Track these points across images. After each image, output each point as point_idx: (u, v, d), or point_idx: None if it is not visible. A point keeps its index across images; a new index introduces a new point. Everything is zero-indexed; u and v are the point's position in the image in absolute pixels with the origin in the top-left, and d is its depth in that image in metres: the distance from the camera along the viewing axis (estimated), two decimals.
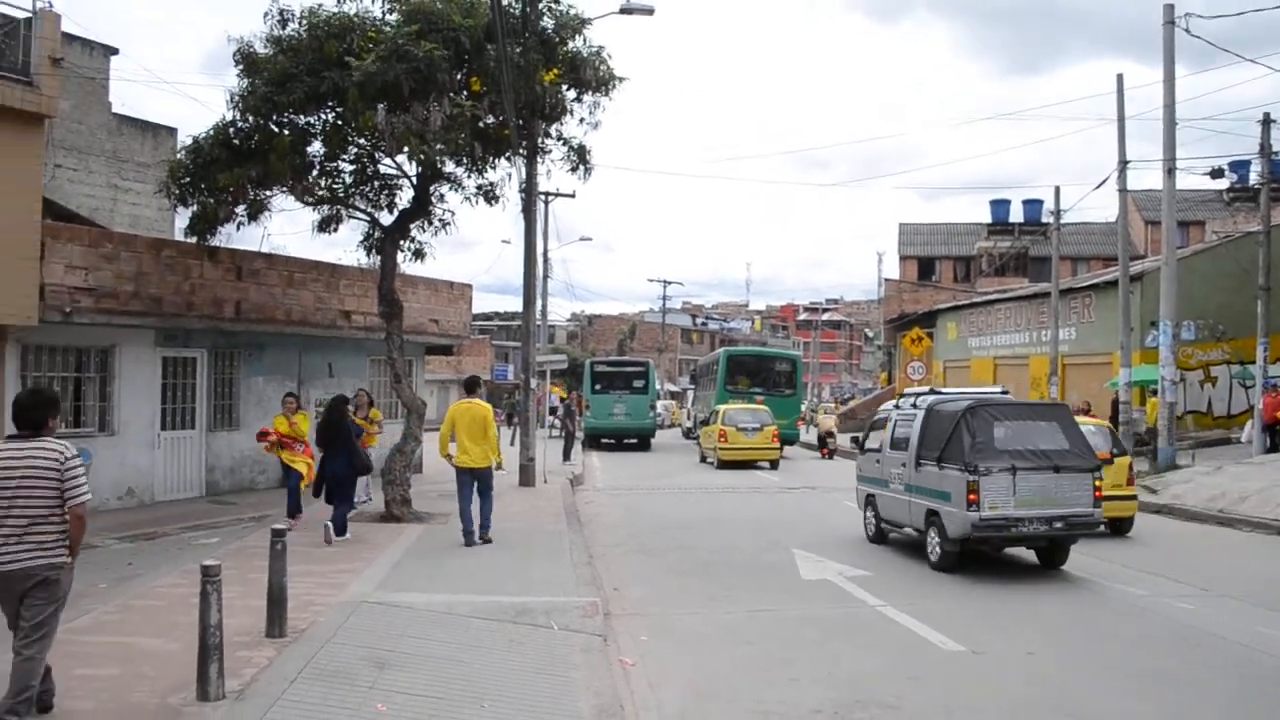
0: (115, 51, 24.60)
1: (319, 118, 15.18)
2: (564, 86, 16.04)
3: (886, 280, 57.39)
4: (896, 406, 14.88)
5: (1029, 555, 13.03)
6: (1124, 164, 23.99)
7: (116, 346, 16.66)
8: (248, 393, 19.44)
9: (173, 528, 14.71)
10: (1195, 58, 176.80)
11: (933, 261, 55.30)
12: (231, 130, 15.07)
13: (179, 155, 16.33)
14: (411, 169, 15.79)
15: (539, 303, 36.88)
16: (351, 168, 16.35)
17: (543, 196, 36.66)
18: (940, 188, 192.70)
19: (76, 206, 21.19)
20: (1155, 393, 23.48)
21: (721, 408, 30.92)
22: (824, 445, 35.60)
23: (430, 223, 17.00)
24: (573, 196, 45.39)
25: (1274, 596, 10.97)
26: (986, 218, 54.81)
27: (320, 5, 14.88)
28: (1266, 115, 24.94)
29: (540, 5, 15.88)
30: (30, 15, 14.49)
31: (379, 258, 16.88)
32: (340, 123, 14.92)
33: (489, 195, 16.82)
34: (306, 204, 16.21)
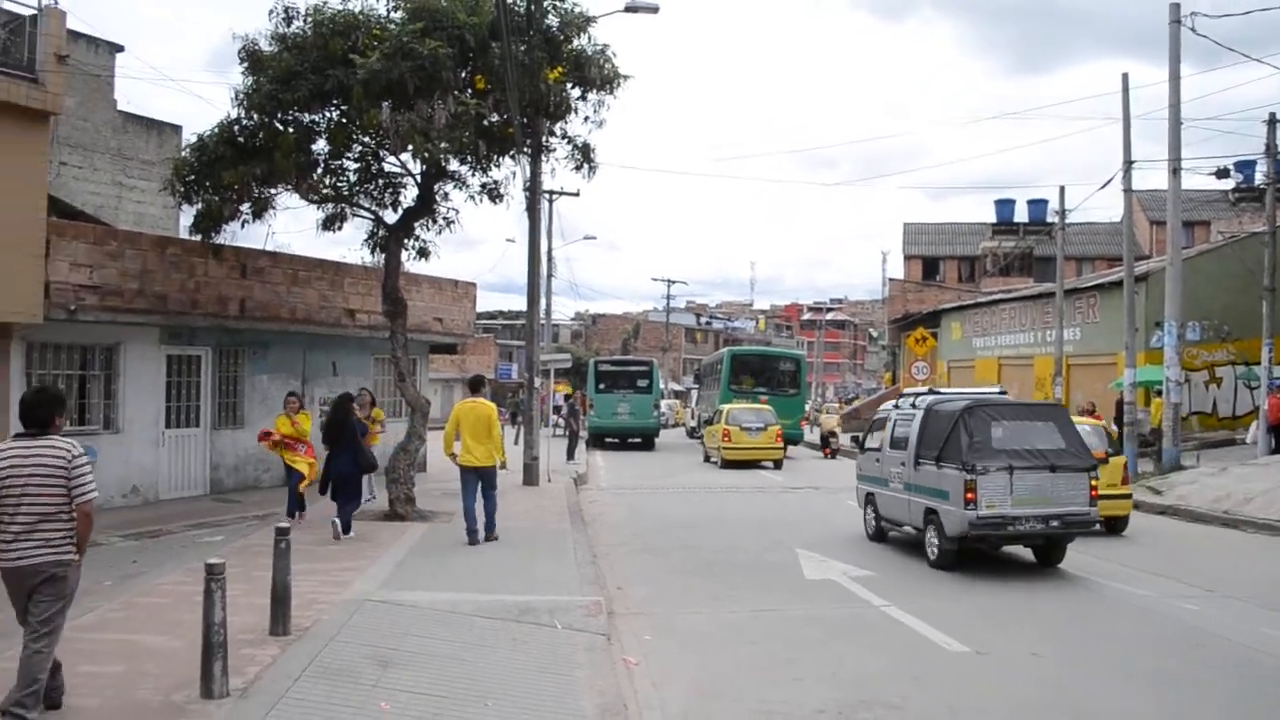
0: (120, 49, 24.58)
1: (324, 115, 15.17)
2: (568, 85, 16.00)
3: (891, 280, 57.29)
4: (896, 406, 15.02)
5: (1034, 555, 13.05)
6: (1129, 164, 23.89)
7: (121, 344, 16.67)
8: (252, 391, 19.45)
9: (177, 526, 14.72)
10: (1201, 57, 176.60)
11: (937, 261, 55.25)
12: (236, 128, 15.06)
13: (184, 153, 16.34)
14: (416, 167, 15.79)
15: (543, 301, 36.81)
16: (356, 166, 16.33)
17: (547, 195, 36.62)
18: (945, 187, 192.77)
19: (81, 204, 21.20)
20: (1160, 393, 23.42)
21: (725, 407, 30.92)
22: (826, 445, 35.69)
23: (434, 221, 17.00)
24: (577, 195, 45.47)
25: (1278, 598, 10.95)
26: (991, 217, 54.71)
27: (325, 3, 14.85)
28: (1272, 115, 24.88)
29: (545, 3, 15.84)
30: (35, 12, 14.52)
31: (383, 256, 16.89)
32: (345, 120, 14.91)
33: (493, 194, 16.81)
34: (311, 202, 16.20)
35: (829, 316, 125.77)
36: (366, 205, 16.79)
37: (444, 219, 17.04)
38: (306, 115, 14.99)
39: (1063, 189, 37.50)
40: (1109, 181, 25.05)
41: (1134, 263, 25.22)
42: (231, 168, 14.63)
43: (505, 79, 14.54)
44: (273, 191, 15.93)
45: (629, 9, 20.22)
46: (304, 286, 19.86)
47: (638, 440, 38.25)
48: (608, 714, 6.67)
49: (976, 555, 12.78)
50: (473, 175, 16.60)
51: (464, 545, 12.80)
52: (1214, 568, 12.92)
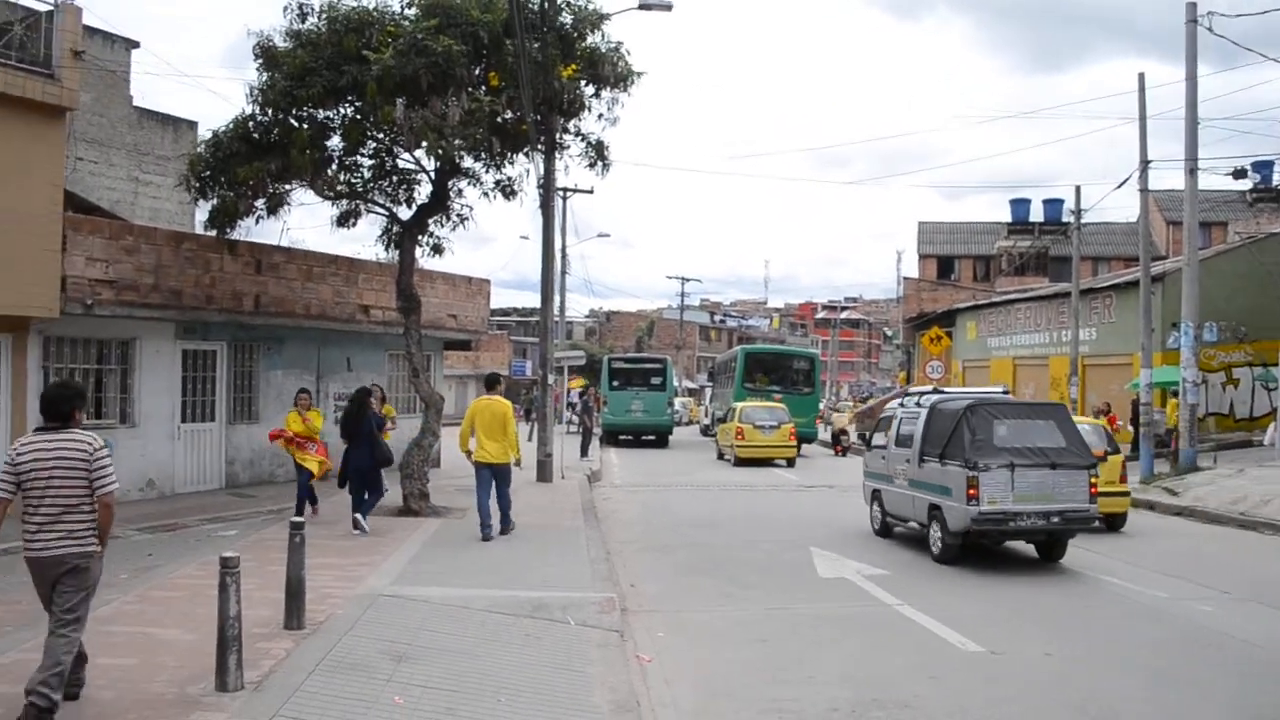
0: (136, 45, 24.68)
1: (338, 112, 15.22)
2: (582, 82, 16.01)
3: (905, 279, 57.12)
4: (901, 405, 15.31)
5: (1036, 551, 13.25)
6: (1145, 163, 23.77)
7: (137, 339, 16.76)
8: (267, 386, 19.53)
9: (192, 520, 14.78)
10: (1219, 57, 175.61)
11: (952, 260, 55.06)
12: (251, 124, 15.11)
13: (199, 149, 16.39)
14: (430, 164, 15.79)
15: (557, 299, 36.85)
16: (370, 162, 16.37)
17: (561, 192, 36.70)
18: (960, 186, 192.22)
19: (98, 199, 21.30)
20: (1176, 394, 23.30)
21: (739, 405, 30.91)
22: (838, 443, 35.75)
23: (448, 218, 17.04)
24: (591, 192, 45.48)
25: None
26: (1006, 217, 54.52)
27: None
28: None
29: (559, 1, 15.87)
30: (52, 8, 14.60)
31: (398, 252, 16.93)
32: (359, 117, 14.95)
33: (507, 191, 16.81)
34: (326, 198, 16.24)
35: (843, 315, 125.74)
36: (381, 201, 16.82)
37: (458, 216, 17.09)
38: (321, 111, 15.04)
39: (1079, 188, 37.30)
40: (1125, 181, 24.94)
41: (1150, 263, 25.11)
42: (246, 164, 14.69)
43: (519, 76, 14.56)
44: (287, 187, 15.98)
45: (643, 6, 20.18)
46: (318, 282, 19.92)
47: (651, 437, 38.24)
48: (620, 710, 6.66)
49: (990, 554, 12.91)
50: (486, 172, 16.65)
51: (477, 541, 12.83)
52: (1230, 569, 12.83)
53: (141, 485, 16.67)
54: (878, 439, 15.74)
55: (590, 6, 16.08)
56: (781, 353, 44.30)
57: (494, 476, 13.33)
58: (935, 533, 12.91)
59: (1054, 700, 7.25)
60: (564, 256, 44.46)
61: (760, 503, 19.86)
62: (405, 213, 16.79)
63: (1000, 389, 16.41)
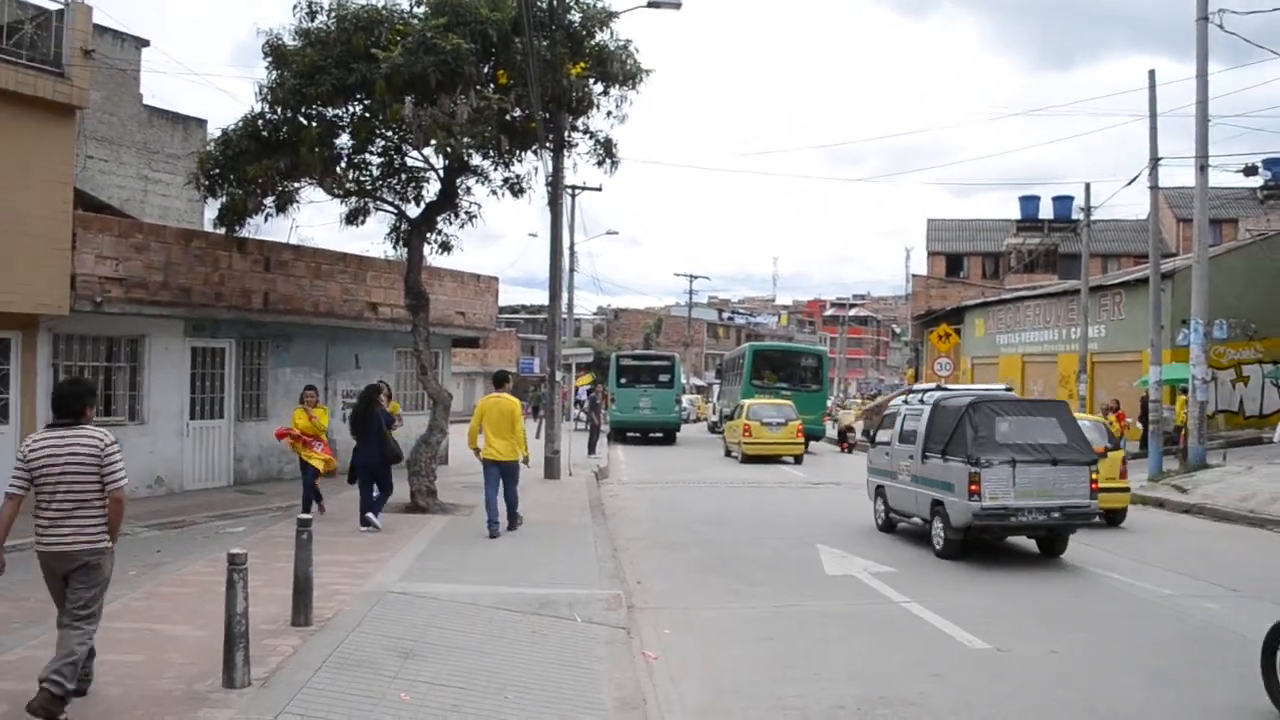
0: (146, 43, 24.76)
1: (347, 110, 15.24)
2: (591, 80, 15.99)
3: (914, 276, 57.04)
4: (905, 402, 15.57)
5: (1037, 547, 13.36)
6: (1156, 160, 23.67)
7: (146, 336, 16.81)
8: (275, 383, 19.58)
9: (200, 516, 14.84)
10: (1229, 54, 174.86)
11: (961, 258, 54.94)
12: (260, 122, 15.14)
13: (208, 147, 16.45)
14: (438, 162, 15.83)
15: (565, 296, 36.98)
16: (379, 160, 16.39)
17: (569, 190, 36.62)
18: (970, 183, 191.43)
19: (107, 197, 21.36)
20: (1185, 391, 23.22)
21: (746, 402, 30.93)
22: (843, 439, 35.79)
23: (457, 215, 17.08)
24: (599, 190, 45.53)
25: None
26: (1016, 214, 54.26)
27: None
28: None
29: None
30: (62, 7, 14.64)
31: (406, 250, 16.96)
32: (368, 115, 14.97)
33: (515, 188, 16.82)
34: (334, 196, 16.28)
35: (852, 313, 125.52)
36: (389, 199, 16.85)
37: (466, 213, 17.14)
38: (330, 110, 15.06)
39: (1088, 186, 37.18)
40: (1135, 178, 25.02)
41: (1160, 260, 25.02)
42: (255, 162, 14.73)
43: (527, 74, 14.56)
44: (296, 185, 16.02)
45: (651, 4, 20.17)
46: (327, 280, 19.98)
47: (659, 435, 38.24)
48: (626, 708, 6.67)
49: (996, 551, 12.99)
50: (495, 170, 16.68)
51: (485, 538, 12.86)
52: (1238, 566, 12.80)
53: (150, 482, 16.73)
54: (882, 435, 15.96)
55: (599, 4, 16.05)
56: (789, 350, 44.26)
57: (502, 474, 13.37)
58: (938, 528, 13.08)
59: (1060, 698, 7.25)
60: (572, 254, 44.50)
61: (767, 500, 19.86)
62: (414, 210, 16.85)
63: (1003, 387, 16.69)
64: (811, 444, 32.43)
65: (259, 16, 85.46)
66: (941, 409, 13.71)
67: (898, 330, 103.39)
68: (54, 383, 14.33)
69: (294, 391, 19.07)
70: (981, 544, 13.10)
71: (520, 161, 16.62)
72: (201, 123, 25.21)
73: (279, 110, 14.95)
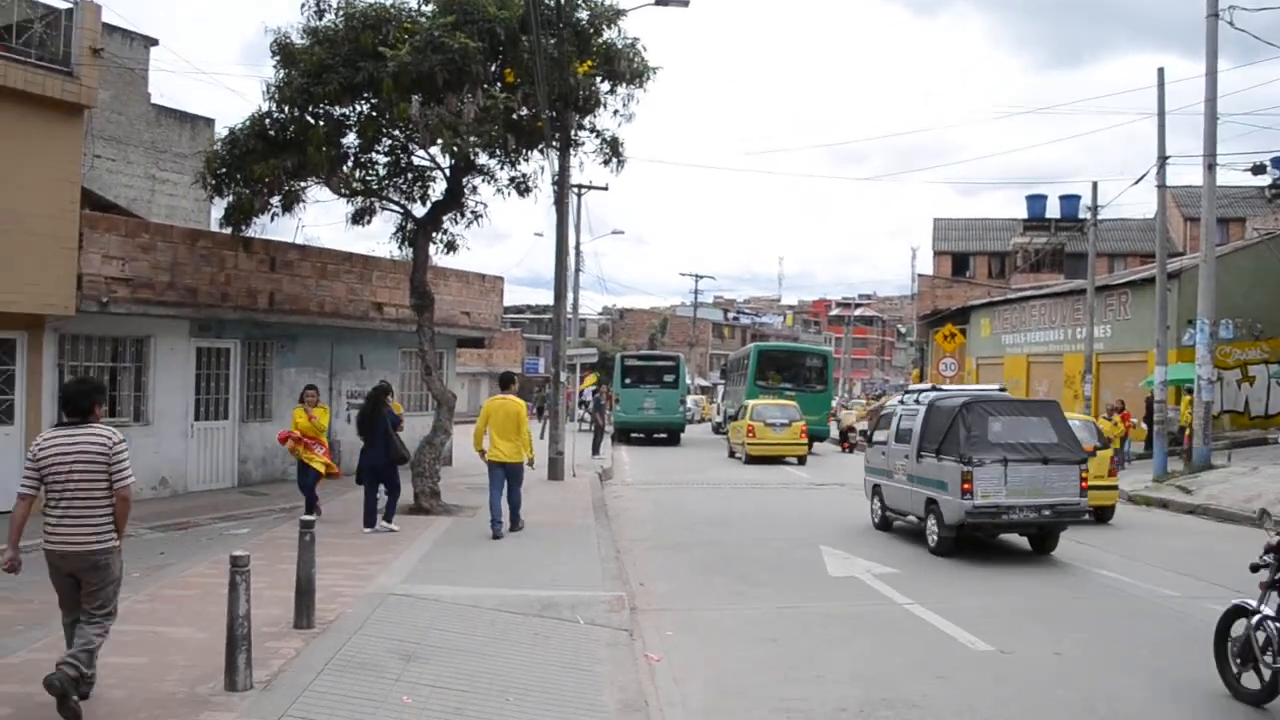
0: (155, 42, 24.79)
1: (354, 109, 15.25)
2: (597, 78, 16.02)
3: (920, 276, 56.91)
4: (901, 402, 15.88)
5: (1029, 544, 13.58)
6: (1163, 159, 23.60)
7: (152, 337, 16.83)
8: (280, 384, 19.59)
9: (204, 518, 14.84)
10: (1239, 51, 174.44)
11: (967, 257, 54.80)
12: (267, 121, 15.16)
13: (216, 146, 16.44)
14: (445, 161, 15.84)
15: (570, 296, 36.89)
16: (385, 159, 16.41)
17: (575, 189, 36.66)
18: (976, 182, 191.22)
19: (115, 197, 21.39)
20: (1190, 391, 23.15)
21: (750, 403, 30.92)
22: (845, 440, 35.89)
23: (462, 215, 17.09)
24: (605, 189, 45.51)
25: None
26: (1022, 213, 54.19)
27: None
28: None
29: None
30: (71, 6, 14.66)
31: (411, 249, 16.97)
32: (375, 114, 14.98)
33: (521, 187, 16.84)
34: (341, 195, 16.29)
35: (857, 312, 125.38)
36: (395, 199, 16.87)
37: (472, 213, 17.16)
38: (337, 109, 15.08)
39: (1095, 185, 37.15)
40: (1143, 177, 24.83)
41: (1167, 260, 24.95)
42: (262, 161, 14.74)
43: (534, 73, 14.58)
44: (303, 185, 16.03)
45: (659, 2, 20.10)
46: (332, 280, 19.98)
47: (663, 435, 38.23)
48: (629, 710, 6.67)
49: (1001, 552, 13.08)
50: (501, 169, 16.69)
51: (488, 539, 12.87)
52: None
53: (155, 483, 16.73)
54: (878, 435, 16.30)
55: (606, 2, 16.08)
56: (794, 350, 44.24)
57: (506, 475, 13.38)
58: (931, 526, 13.34)
59: (1063, 700, 7.24)
60: (578, 253, 44.52)
61: (771, 500, 19.85)
62: (420, 210, 16.85)
63: (997, 387, 17.15)
64: (816, 444, 32.42)
65: (267, 15, 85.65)
66: (936, 409, 13.99)
67: (903, 330, 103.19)
68: (59, 383, 14.36)
69: (299, 392, 19.08)
70: (982, 544, 13.30)
71: (526, 160, 16.68)
72: (209, 122, 25.24)
73: (286, 109, 14.97)
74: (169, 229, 17.38)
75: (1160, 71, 24.40)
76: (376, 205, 16.98)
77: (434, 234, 16.89)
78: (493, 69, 14.90)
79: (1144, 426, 26.02)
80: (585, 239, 59.27)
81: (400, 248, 17.96)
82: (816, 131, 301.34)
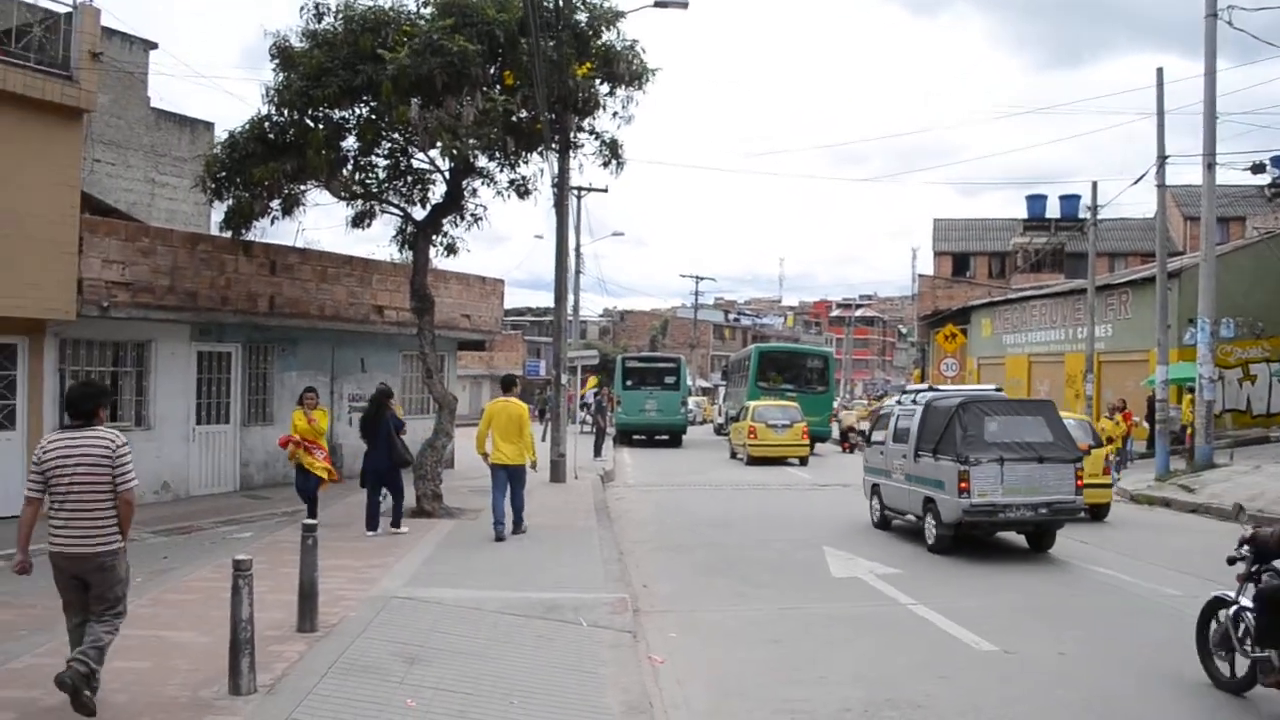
0: (154, 46, 24.84)
1: (353, 112, 15.25)
2: (597, 80, 16.02)
3: (920, 276, 56.89)
4: (899, 403, 16.00)
5: (1026, 542, 13.68)
6: (1163, 159, 23.59)
7: (153, 341, 16.83)
8: (281, 388, 19.58)
9: (207, 522, 14.83)
10: (1238, 51, 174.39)
11: (967, 257, 54.79)
12: (267, 125, 15.16)
13: (215, 150, 16.46)
14: (444, 163, 15.83)
15: (571, 298, 36.93)
16: (385, 162, 16.42)
17: (575, 191, 36.66)
18: (976, 183, 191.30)
19: (115, 201, 21.41)
20: (1192, 390, 23.15)
21: (751, 404, 30.90)
22: (845, 440, 35.95)
23: (462, 217, 17.08)
24: (605, 191, 45.67)
25: None
26: (1022, 213, 54.18)
27: None
28: None
29: None
30: (70, 10, 14.66)
31: (411, 252, 16.96)
32: (374, 117, 14.98)
33: (521, 190, 16.84)
34: (340, 199, 16.28)
35: (858, 313, 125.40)
36: (395, 202, 16.87)
37: (472, 215, 17.15)
38: (336, 112, 15.07)
39: (1095, 185, 37.13)
40: (1142, 177, 24.83)
41: (1167, 259, 24.94)
42: (262, 164, 14.74)
43: (534, 75, 14.58)
44: (302, 188, 16.03)
45: (658, 4, 20.13)
46: (333, 283, 19.98)
47: (665, 437, 38.21)
48: (633, 712, 6.66)
49: (1004, 551, 13.13)
50: (501, 171, 16.69)
51: (490, 542, 12.86)
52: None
53: (157, 488, 16.72)
54: (877, 435, 16.45)
55: (605, 4, 16.09)
56: (795, 351, 44.24)
57: (509, 478, 13.39)
58: (929, 524, 13.48)
59: (1066, 700, 7.22)
60: (578, 255, 44.49)
61: (773, 502, 19.84)
62: (420, 213, 16.84)
63: (993, 387, 17.33)
64: (818, 445, 32.41)
65: (266, 18, 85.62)
66: (933, 409, 14.14)
67: (904, 331, 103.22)
68: (61, 388, 14.36)
69: (299, 396, 19.07)
70: (982, 542, 13.45)
71: (526, 163, 16.66)
72: (209, 125, 25.27)
73: (285, 112, 14.97)
74: (169, 233, 17.38)
75: (1159, 71, 24.42)
76: (376, 208, 16.98)
77: (434, 237, 16.89)
78: (492, 71, 14.90)
79: (1146, 426, 26.00)
80: (585, 241, 59.31)
81: (400, 251, 17.96)
82: (817, 132, 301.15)
